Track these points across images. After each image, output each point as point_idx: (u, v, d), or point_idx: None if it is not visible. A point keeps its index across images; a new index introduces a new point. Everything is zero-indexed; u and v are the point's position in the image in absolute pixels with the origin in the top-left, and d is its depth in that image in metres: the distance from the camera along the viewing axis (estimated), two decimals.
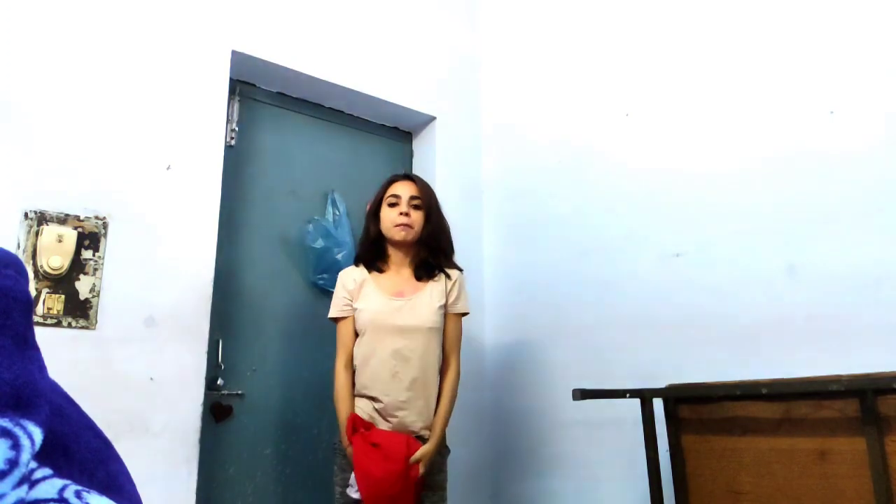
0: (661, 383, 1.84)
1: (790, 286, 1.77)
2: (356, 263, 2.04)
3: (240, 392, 2.22)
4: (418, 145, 2.91)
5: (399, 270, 2.00)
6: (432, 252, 1.99)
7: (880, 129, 1.66)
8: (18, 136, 1.83)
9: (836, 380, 1.44)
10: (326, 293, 2.48)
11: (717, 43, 2.07)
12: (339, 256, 2.44)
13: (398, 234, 1.96)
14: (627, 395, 1.81)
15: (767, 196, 1.86)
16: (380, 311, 1.91)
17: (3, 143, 1.80)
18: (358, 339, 1.94)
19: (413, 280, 1.98)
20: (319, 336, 2.45)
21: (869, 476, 1.38)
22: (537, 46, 2.79)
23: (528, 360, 2.44)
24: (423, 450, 1.85)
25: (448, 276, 2.00)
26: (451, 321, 2.00)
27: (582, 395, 1.74)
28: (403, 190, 1.99)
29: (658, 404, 1.81)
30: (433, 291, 1.96)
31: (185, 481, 1.91)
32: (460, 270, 2.06)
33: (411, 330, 1.90)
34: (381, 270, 2.00)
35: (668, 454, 1.77)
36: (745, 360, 1.80)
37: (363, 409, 1.89)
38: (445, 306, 1.97)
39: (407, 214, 1.95)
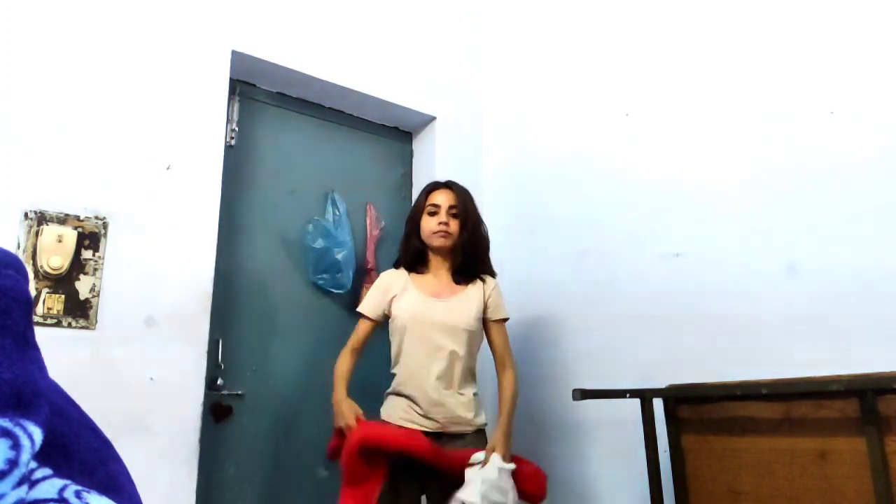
0: (661, 383, 1.84)
1: (790, 286, 1.76)
2: (396, 266, 2.12)
3: (240, 392, 2.22)
4: (418, 145, 2.91)
5: (437, 273, 2.07)
6: (468, 258, 2.05)
7: (880, 129, 1.66)
8: (18, 135, 1.83)
9: (836, 380, 1.44)
10: (326, 293, 2.49)
11: (717, 42, 2.07)
12: (338, 256, 2.43)
13: (437, 241, 2.02)
14: (627, 395, 1.81)
15: (767, 196, 1.86)
16: (418, 309, 1.97)
17: (3, 143, 1.80)
18: (394, 339, 2.01)
19: (451, 283, 2.05)
20: (319, 336, 2.45)
21: (869, 476, 1.38)
22: (538, 46, 2.78)
23: (527, 359, 2.44)
24: (495, 437, 1.87)
25: (484, 282, 2.07)
26: (495, 329, 2.07)
27: (582, 395, 1.74)
28: (443, 199, 2.05)
29: (658, 404, 1.81)
30: (470, 295, 2.03)
31: (185, 481, 1.91)
32: (494, 276, 2.11)
33: (448, 329, 1.96)
34: (420, 273, 2.07)
35: (668, 454, 1.77)
36: (745, 360, 1.80)
37: (399, 406, 1.92)
38: (485, 313, 2.03)
39: (446, 223, 2.01)
